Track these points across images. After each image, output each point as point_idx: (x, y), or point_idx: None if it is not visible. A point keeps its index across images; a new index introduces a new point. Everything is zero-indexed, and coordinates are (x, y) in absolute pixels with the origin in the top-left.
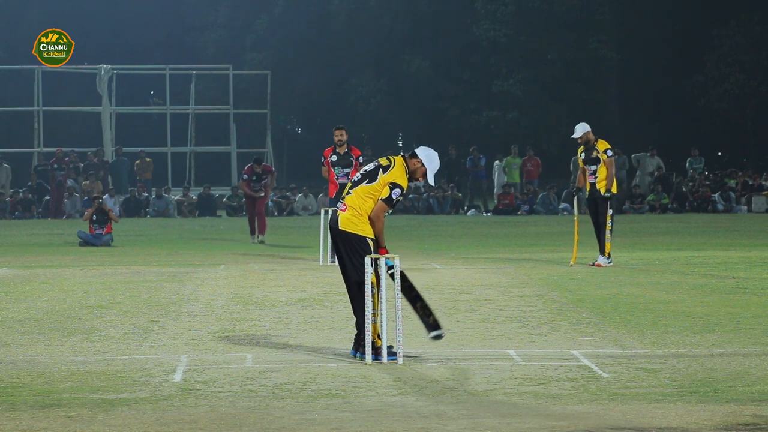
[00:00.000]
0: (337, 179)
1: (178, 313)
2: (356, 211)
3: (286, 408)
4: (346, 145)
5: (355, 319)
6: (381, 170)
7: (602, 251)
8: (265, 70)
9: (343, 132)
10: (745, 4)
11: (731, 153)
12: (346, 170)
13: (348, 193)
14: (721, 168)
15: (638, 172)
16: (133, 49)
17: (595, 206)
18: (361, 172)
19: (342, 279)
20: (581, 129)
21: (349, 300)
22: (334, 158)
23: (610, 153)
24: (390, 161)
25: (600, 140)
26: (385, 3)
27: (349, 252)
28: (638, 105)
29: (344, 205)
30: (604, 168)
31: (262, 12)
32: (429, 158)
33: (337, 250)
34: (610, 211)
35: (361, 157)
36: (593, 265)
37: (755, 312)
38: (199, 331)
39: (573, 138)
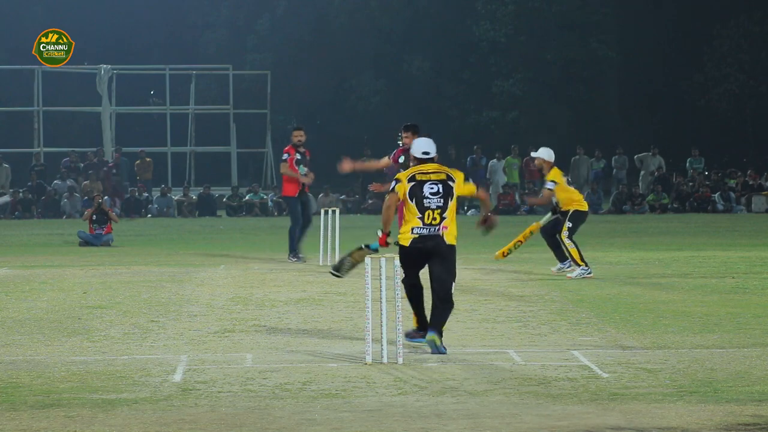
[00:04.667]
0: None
1: (178, 313)
2: (453, 226)
3: (286, 408)
4: (302, 145)
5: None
6: (450, 182)
7: (571, 260)
8: (265, 70)
9: (302, 132)
10: (745, 4)
11: (731, 153)
12: (306, 169)
13: (440, 215)
14: (721, 168)
15: (642, 172)
16: (133, 49)
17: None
18: (439, 193)
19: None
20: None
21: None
22: (299, 157)
23: (550, 186)
24: (442, 172)
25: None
26: (385, 3)
27: (446, 261)
28: (638, 105)
29: (444, 226)
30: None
31: (263, 12)
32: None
33: (420, 266)
34: (568, 224)
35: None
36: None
37: (755, 312)
38: (199, 331)
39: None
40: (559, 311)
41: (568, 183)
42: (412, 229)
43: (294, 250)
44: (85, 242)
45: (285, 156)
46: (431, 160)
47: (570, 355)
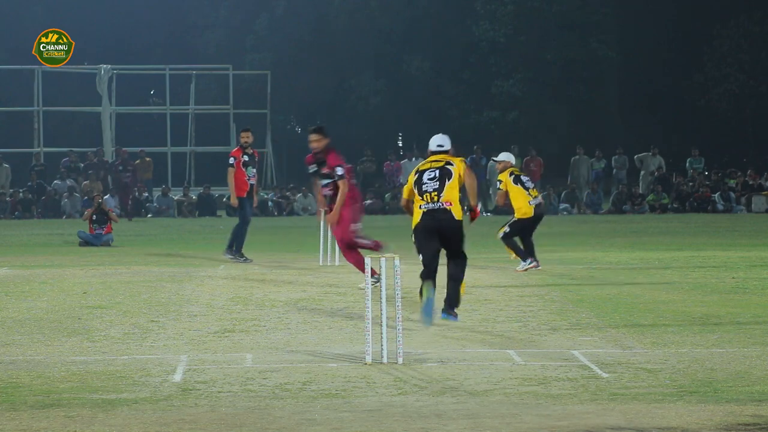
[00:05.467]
0: (248, 179)
1: (178, 313)
2: (457, 204)
3: (286, 408)
4: (249, 146)
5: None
6: (449, 165)
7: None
8: (265, 70)
9: (250, 133)
10: (745, 4)
11: (731, 153)
12: (254, 170)
13: (439, 195)
14: (721, 168)
15: (642, 172)
16: (133, 49)
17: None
18: (435, 178)
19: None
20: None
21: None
22: (246, 158)
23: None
24: (441, 161)
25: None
26: (385, 3)
27: (455, 234)
28: (638, 105)
29: (447, 202)
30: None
31: (262, 12)
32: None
33: (432, 242)
34: (506, 228)
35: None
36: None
37: (755, 312)
38: (199, 331)
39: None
40: (559, 311)
41: (525, 186)
42: (420, 206)
43: (239, 251)
44: (85, 242)
45: (232, 160)
46: (445, 153)
47: (570, 355)
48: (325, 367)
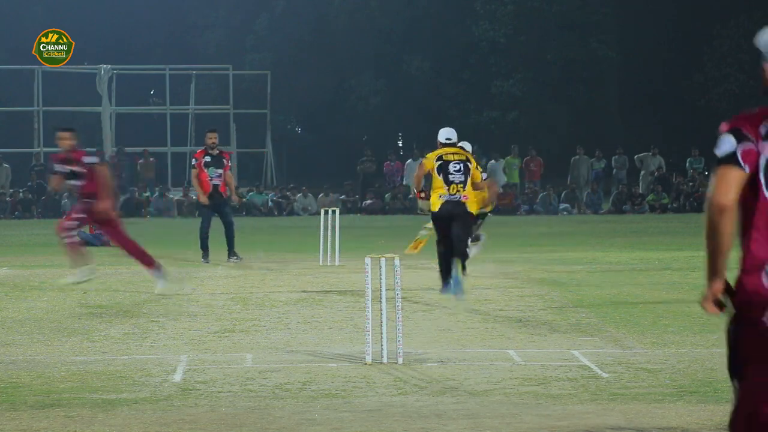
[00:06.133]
0: (211, 180)
1: (178, 313)
2: (473, 198)
3: (286, 408)
4: (216, 147)
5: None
6: (468, 163)
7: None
8: (265, 70)
9: (216, 135)
10: (745, 4)
11: None
12: (219, 171)
13: (462, 188)
14: None
15: (642, 172)
16: (133, 49)
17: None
18: (461, 171)
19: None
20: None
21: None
22: (208, 159)
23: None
24: (462, 154)
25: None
26: (385, 3)
27: (466, 225)
28: (638, 105)
29: (465, 195)
30: None
31: (262, 12)
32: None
33: (448, 227)
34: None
35: (228, 160)
36: None
37: None
38: (199, 331)
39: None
40: (559, 311)
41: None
42: (440, 195)
43: (203, 251)
44: (85, 242)
45: (194, 161)
46: (453, 145)
47: (570, 355)
48: (325, 367)
